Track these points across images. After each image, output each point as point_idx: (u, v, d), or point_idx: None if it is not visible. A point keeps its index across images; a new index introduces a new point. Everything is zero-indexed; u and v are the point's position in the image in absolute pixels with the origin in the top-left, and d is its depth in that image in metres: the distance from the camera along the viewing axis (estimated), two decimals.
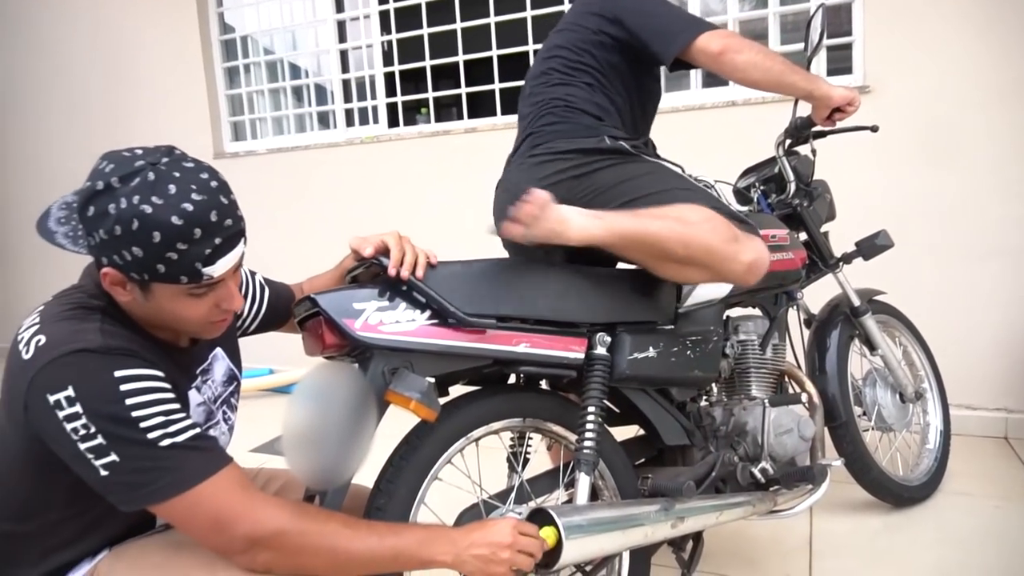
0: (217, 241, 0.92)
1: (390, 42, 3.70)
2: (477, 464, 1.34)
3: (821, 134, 1.91)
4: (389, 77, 3.77)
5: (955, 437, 2.31)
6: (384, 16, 3.67)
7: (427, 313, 1.16)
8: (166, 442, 0.91)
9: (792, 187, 1.90)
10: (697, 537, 1.52)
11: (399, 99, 3.73)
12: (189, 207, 0.89)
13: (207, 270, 0.93)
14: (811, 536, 1.98)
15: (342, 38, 3.86)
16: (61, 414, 0.88)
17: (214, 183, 0.93)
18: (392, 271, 1.12)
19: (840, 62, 2.88)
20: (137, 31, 4.21)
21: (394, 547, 0.99)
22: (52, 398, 0.88)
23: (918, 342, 2.29)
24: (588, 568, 1.38)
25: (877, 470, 2.01)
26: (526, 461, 1.44)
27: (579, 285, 1.33)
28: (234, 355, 1.24)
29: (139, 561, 1.02)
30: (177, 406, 0.95)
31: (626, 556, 1.41)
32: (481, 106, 3.76)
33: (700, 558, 1.52)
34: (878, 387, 2.09)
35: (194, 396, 1.12)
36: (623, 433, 1.52)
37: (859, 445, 1.96)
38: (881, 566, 1.81)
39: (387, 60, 3.74)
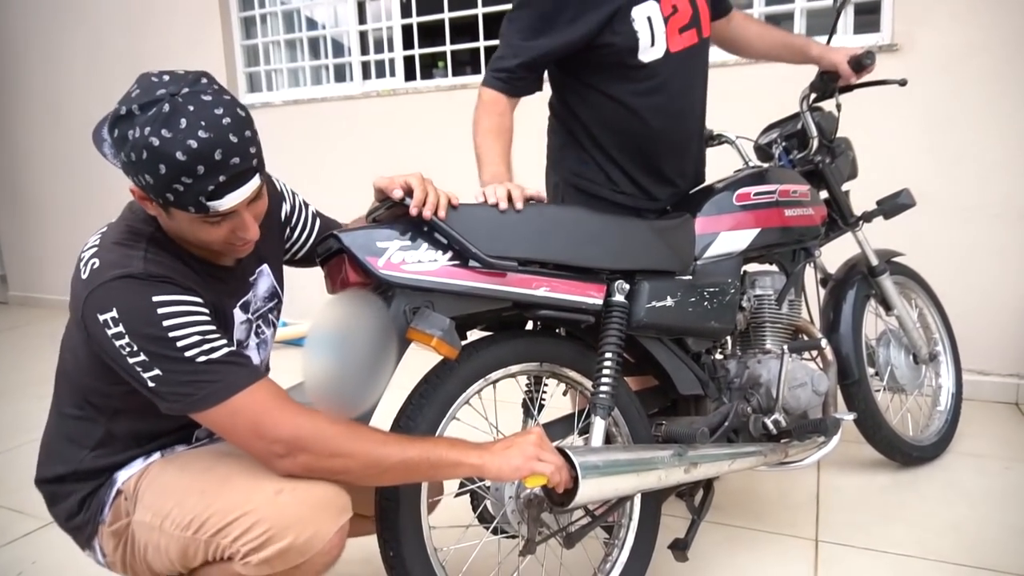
0: (221, 179, 0.93)
1: None
2: (495, 408, 1.37)
3: (848, 88, 1.87)
4: (406, 30, 3.72)
5: (966, 402, 2.31)
6: None
7: (449, 254, 1.17)
8: (203, 358, 0.97)
9: (814, 143, 1.87)
10: (708, 485, 1.54)
11: (416, 52, 3.69)
12: (194, 144, 0.90)
13: (212, 204, 0.95)
14: (818, 491, 2.01)
15: None
16: (110, 332, 0.96)
17: (227, 120, 0.93)
18: (414, 211, 1.12)
19: (868, 23, 2.81)
20: None
21: (423, 450, 1.05)
22: (101, 317, 0.96)
23: (934, 305, 2.28)
24: (598, 512, 1.41)
25: (887, 429, 2.02)
26: (541, 407, 1.46)
27: (600, 232, 1.33)
28: (278, 274, 1.28)
29: (188, 465, 1.10)
30: (213, 327, 1.00)
31: (637, 500, 1.44)
32: None
33: (710, 506, 1.55)
34: (892, 348, 2.09)
35: (238, 314, 1.16)
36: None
37: (871, 403, 1.97)
38: (891, 521, 1.83)
39: (405, 12, 3.69)
